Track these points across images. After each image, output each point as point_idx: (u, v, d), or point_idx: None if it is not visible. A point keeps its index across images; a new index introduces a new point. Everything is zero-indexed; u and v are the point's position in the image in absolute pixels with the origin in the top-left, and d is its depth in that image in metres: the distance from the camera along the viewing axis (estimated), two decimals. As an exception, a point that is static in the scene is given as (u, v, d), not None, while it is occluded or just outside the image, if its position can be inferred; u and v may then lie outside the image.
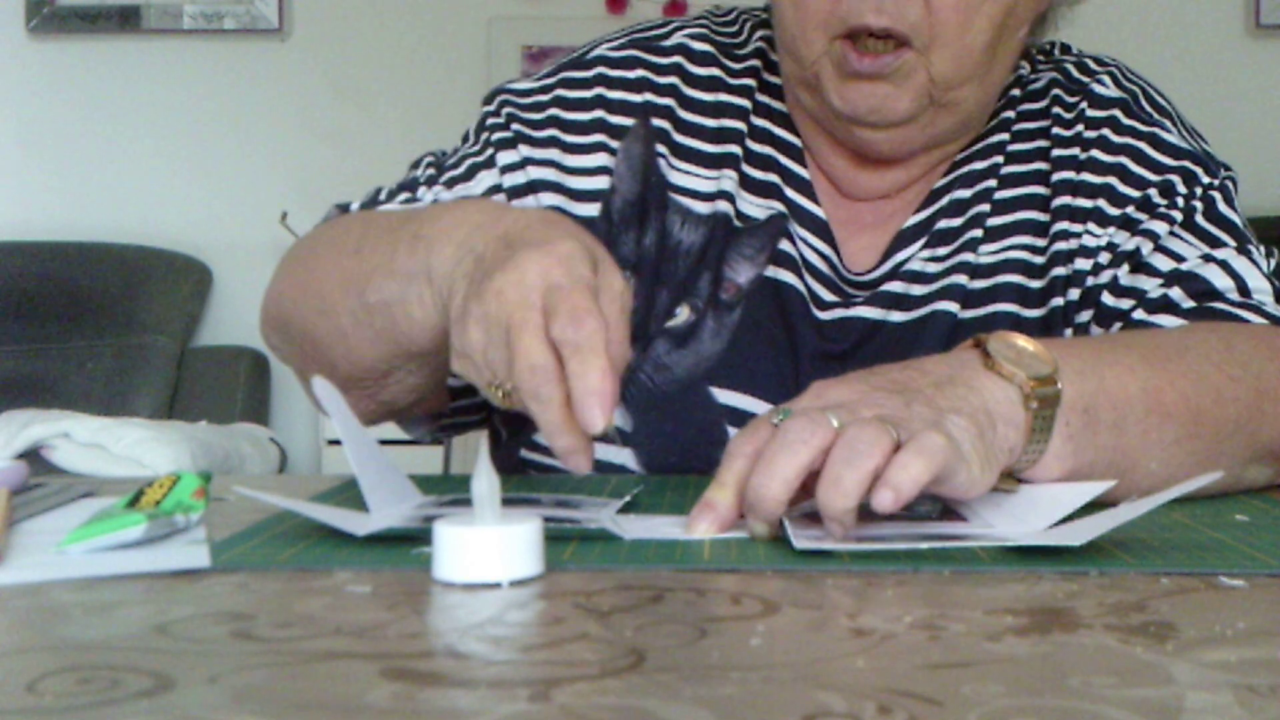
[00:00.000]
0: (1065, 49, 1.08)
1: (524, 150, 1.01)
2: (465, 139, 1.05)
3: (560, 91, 1.03)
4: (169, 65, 3.18)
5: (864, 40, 0.92)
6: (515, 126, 1.02)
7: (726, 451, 0.69)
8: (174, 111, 3.18)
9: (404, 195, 1.00)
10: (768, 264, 1.00)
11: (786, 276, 1.00)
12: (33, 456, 2.41)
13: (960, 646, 0.46)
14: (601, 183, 1.01)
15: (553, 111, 1.02)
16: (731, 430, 0.96)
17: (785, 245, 1.00)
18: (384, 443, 0.73)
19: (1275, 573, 0.58)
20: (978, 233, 1.00)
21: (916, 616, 0.50)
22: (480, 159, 1.01)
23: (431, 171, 1.02)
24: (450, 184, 1.00)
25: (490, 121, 1.03)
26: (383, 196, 1.01)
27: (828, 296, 1.00)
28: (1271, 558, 0.61)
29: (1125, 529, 0.66)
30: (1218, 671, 0.43)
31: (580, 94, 1.03)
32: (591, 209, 1.00)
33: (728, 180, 1.01)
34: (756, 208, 1.02)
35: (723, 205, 1.01)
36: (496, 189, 1.00)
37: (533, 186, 1.00)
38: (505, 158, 1.01)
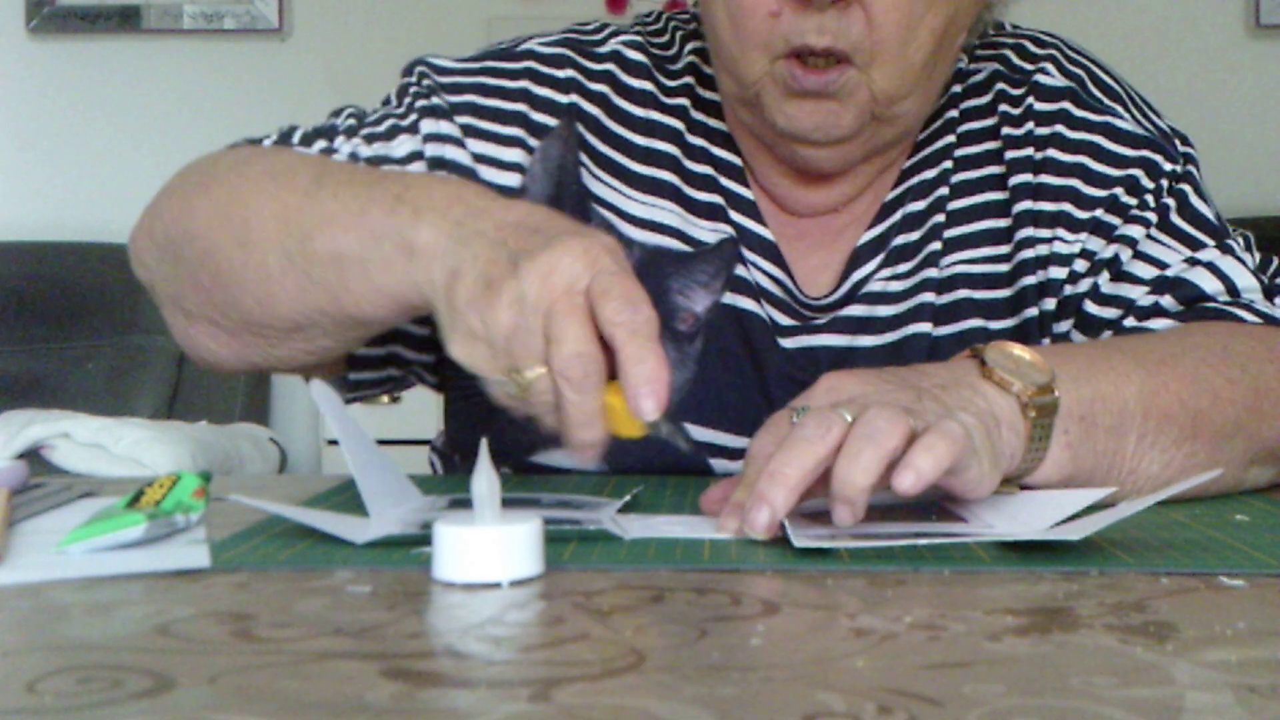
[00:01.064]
0: (999, 27, 1.03)
1: (444, 126, 0.97)
2: (386, 102, 1.01)
3: (483, 79, 0.99)
4: (169, 65, 3.18)
5: (806, 58, 0.88)
6: (435, 99, 0.98)
7: (749, 453, 0.70)
8: (174, 111, 3.18)
9: (321, 143, 0.95)
10: (724, 290, 0.96)
11: (746, 303, 0.97)
12: (33, 456, 2.40)
13: (960, 646, 0.46)
14: (513, 179, 0.97)
15: (470, 98, 0.98)
16: (714, 463, 0.95)
17: (740, 270, 0.97)
18: (383, 443, 0.73)
19: (1275, 573, 0.58)
20: (937, 245, 0.97)
21: (916, 616, 0.50)
22: (403, 122, 0.97)
23: (352, 123, 0.98)
24: (369, 140, 0.96)
25: (413, 90, 0.99)
26: (296, 139, 0.96)
27: (786, 321, 0.97)
28: (1271, 558, 0.61)
29: (1125, 529, 0.66)
30: (1218, 671, 0.43)
31: (505, 83, 0.99)
32: None
33: (667, 213, 0.98)
34: (706, 232, 0.98)
35: (658, 238, 0.97)
36: (416, 155, 0.96)
37: (446, 164, 0.96)
38: (429, 126, 0.97)
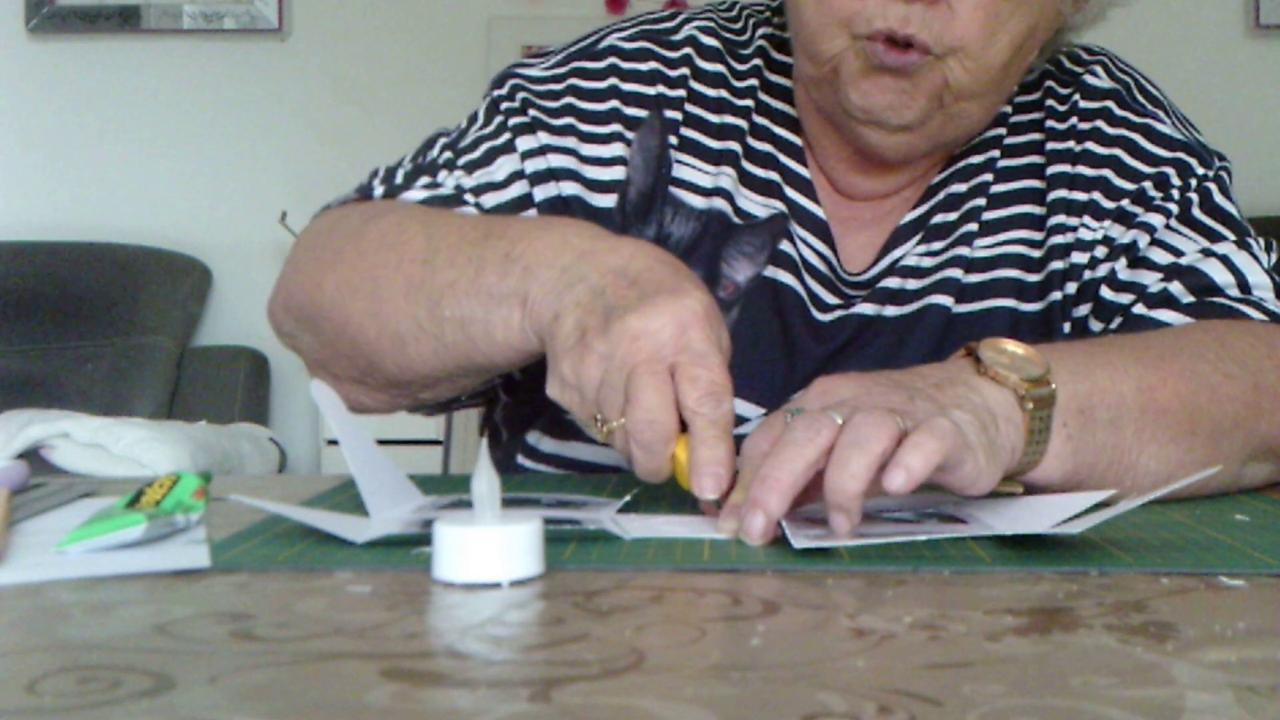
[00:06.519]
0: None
1: (543, 137, 1.00)
2: (473, 120, 1.03)
3: (575, 81, 1.03)
4: (169, 65, 3.18)
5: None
6: (532, 112, 1.01)
7: (743, 452, 0.70)
8: (174, 111, 3.18)
9: (424, 179, 0.98)
10: (767, 264, 1.00)
11: (785, 278, 1.00)
12: (33, 456, 2.41)
13: (960, 646, 0.46)
14: (618, 173, 1.00)
15: (569, 100, 1.02)
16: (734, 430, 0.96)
17: (785, 246, 1.00)
18: (383, 443, 0.73)
19: (1275, 573, 0.58)
20: (973, 227, 1.01)
21: (916, 616, 0.50)
22: (498, 143, 1.00)
23: (449, 155, 1.00)
24: (469, 169, 0.99)
25: (505, 106, 1.02)
26: (399, 180, 0.99)
27: (828, 298, 1.00)
28: (1271, 558, 0.61)
29: (1125, 529, 0.66)
30: (1218, 671, 0.43)
31: (594, 84, 1.02)
32: (608, 200, 1.00)
33: (725, 177, 1.01)
34: (757, 205, 1.01)
35: (718, 202, 1.01)
36: (518, 175, 0.99)
37: (554, 174, 0.99)
38: (525, 143, 1.00)
